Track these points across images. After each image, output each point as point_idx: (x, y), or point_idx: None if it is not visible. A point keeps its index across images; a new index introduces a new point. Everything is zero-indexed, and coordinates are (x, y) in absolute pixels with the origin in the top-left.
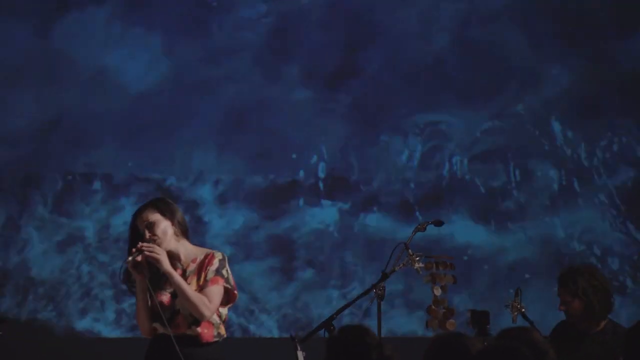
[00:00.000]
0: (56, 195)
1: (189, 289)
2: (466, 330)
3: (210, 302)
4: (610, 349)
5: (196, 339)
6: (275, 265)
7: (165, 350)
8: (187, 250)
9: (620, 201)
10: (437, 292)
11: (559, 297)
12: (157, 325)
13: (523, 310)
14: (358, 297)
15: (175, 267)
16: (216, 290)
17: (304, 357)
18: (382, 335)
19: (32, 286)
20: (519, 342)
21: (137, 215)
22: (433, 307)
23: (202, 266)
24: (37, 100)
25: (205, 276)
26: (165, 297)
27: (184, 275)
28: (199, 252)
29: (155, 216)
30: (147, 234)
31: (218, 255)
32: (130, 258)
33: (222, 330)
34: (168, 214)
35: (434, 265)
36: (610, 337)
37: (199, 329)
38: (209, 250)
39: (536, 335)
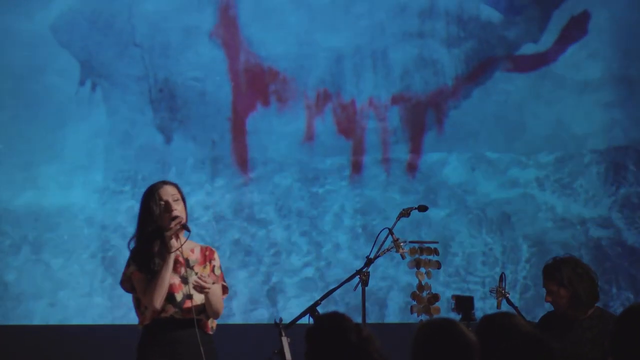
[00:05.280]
0: None
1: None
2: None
3: (222, 302)
4: (599, 334)
5: (200, 325)
6: None
7: (173, 334)
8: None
9: None
10: (421, 277)
11: (545, 288)
12: (169, 306)
13: (507, 295)
14: (343, 283)
15: (176, 255)
16: (220, 289)
17: (289, 343)
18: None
19: None
20: (502, 327)
21: (162, 186)
22: (417, 292)
23: (205, 258)
24: None
25: (213, 270)
26: (177, 281)
27: (187, 263)
28: (193, 244)
29: (178, 194)
30: (174, 206)
31: (215, 250)
32: (179, 222)
33: (215, 325)
34: (183, 198)
35: (419, 250)
36: (598, 322)
37: (204, 316)
38: (201, 244)
39: (520, 320)
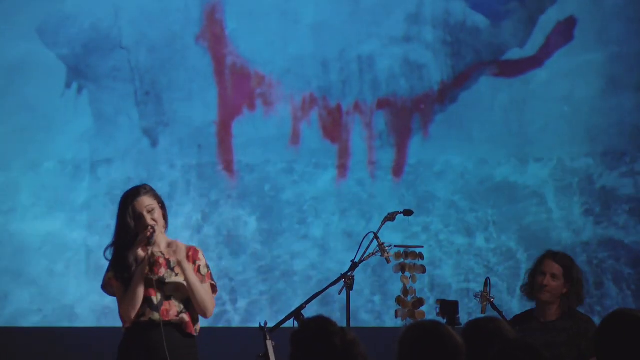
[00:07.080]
0: None
1: (199, 282)
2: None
3: (212, 299)
4: (574, 337)
5: (181, 328)
6: None
7: (151, 337)
8: (166, 241)
9: None
10: (406, 281)
11: (544, 270)
12: (147, 310)
13: (492, 300)
14: (327, 287)
15: (157, 256)
16: (209, 288)
17: (273, 347)
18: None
19: None
20: (487, 332)
21: (137, 198)
22: (402, 296)
23: (189, 259)
24: None
25: (198, 270)
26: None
27: (168, 265)
28: (177, 245)
29: (154, 203)
30: (149, 218)
31: (200, 249)
32: (152, 232)
33: (199, 327)
34: (161, 203)
35: (403, 254)
36: (571, 324)
37: (186, 317)
38: (186, 244)
39: (504, 325)
